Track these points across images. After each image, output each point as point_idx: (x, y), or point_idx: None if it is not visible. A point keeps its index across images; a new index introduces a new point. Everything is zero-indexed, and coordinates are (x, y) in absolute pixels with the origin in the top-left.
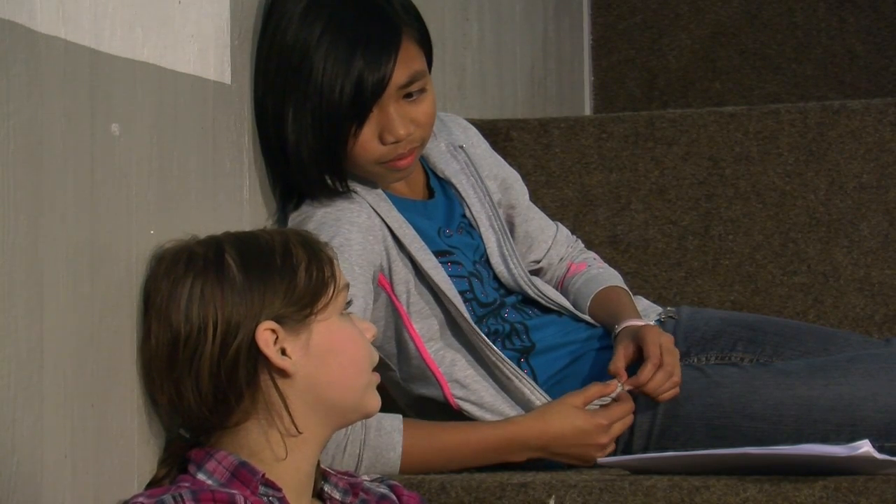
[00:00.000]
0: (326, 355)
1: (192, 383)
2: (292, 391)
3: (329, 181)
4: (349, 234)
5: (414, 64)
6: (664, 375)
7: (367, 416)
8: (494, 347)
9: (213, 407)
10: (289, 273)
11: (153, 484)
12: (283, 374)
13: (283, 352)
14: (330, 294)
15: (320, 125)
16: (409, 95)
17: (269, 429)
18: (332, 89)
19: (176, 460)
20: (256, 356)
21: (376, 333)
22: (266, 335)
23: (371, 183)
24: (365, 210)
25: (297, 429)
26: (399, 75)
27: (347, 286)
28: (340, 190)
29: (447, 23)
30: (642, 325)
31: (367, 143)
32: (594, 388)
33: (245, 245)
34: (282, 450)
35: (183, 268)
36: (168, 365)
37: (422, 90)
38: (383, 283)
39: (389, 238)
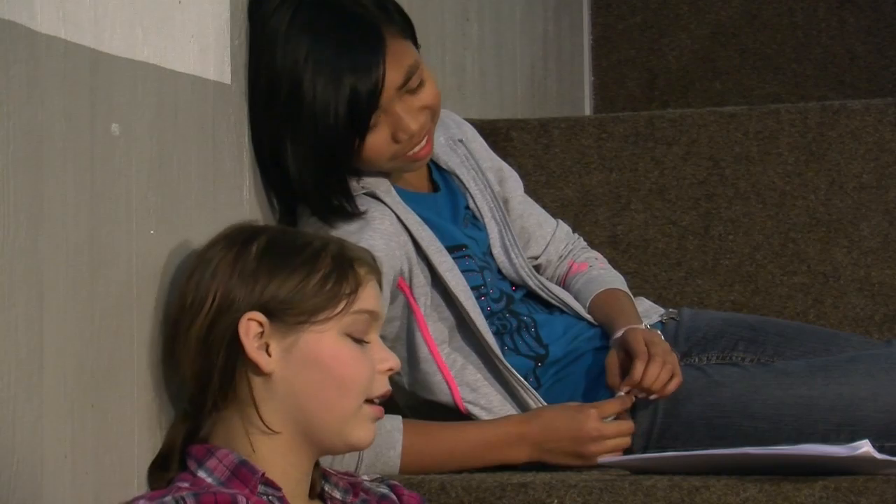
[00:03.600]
0: (308, 366)
1: (185, 355)
2: (268, 391)
3: (336, 202)
4: (372, 241)
5: (405, 59)
6: (657, 366)
7: (353, 447)
8: (503, 358)
9: (201, 384)
10: (302, 274)
11: (154, 466)
12: (259, 370)
13: (268, 348)
14: (336, 310)
15: (321, 152)
16: (409, 90)
17: (247, 422)
18: (327, 112)
19: (175, 442)
20: (239, 343)
21: (397, 367)
22: (250, 325)
23: (385, 184)
24: (388, 216)
25: (268, 427)
26: (394, 77)
27: (377, 317)
28: (349, 210)
29: (447, 23)
30: (626, 329)
31: (381, 146)
32: (595, 405)
33: (279, 237)
34: (255, 444)
35: (220, 243)
36: (172, 332)
37: (419, 79)
38: (402, 287)
39: (410, 243)
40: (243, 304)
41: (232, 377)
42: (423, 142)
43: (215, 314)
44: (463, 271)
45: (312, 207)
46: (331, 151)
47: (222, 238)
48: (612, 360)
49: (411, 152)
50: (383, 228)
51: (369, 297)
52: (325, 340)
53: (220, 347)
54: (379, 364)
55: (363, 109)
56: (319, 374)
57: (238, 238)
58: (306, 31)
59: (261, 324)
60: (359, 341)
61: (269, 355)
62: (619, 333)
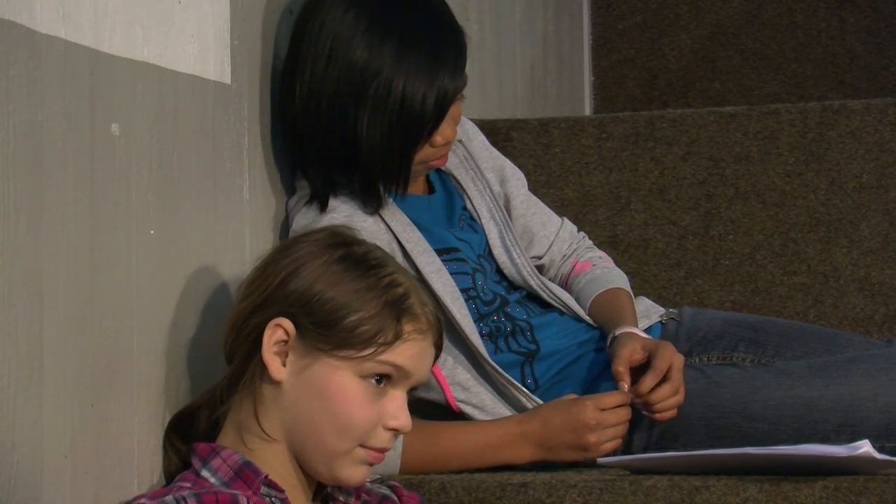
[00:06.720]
0: (314, 393)
1: (226, 325)
2: (274, 399)
3: (393, 179)
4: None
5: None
6: (670, 389)
7: (340, 483)
8: (490, 360)
9: (226, 359)
10: (352, 305)
11: (173, 426)
12: (269, 376)
13: (286, 358)
14: (361, 353)
15: (398, 132)
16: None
17: (246, 421)
18: (414, 102)
19: (199, 403)
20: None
21: (404, 430)
22: (276, 331)
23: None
24: (371, 216)
25: (265, 433)
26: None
27: (408, 374)
28: (396, 191)
29: None
30: (659, 341)
31: (423, 148)
32: (592, 397)
33: (360, 257)
34: (250, 444)
35: (312, 236)
36: (234, 299)
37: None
38: None
39: (395, 243)
40: (291, 301)
41: (245, 369)
42: (445, 151)
43: (263, 301)
44: (453, 274)
45: (363, 171)
46: (407, 134)
47: (318, 234)
48: (632, 354)
49: (435, 160)
50: (366, 227)
51: (404, 354)
52: (336, 376)
53: (250, 336)
54: (387, 419)
55: (448, 103)
56: (321, 404)
57: (327, 240)
58: (395, 25)
59: (287, 333)
60: (379, 382)
61: (284, 366)
62: (626, 329)
